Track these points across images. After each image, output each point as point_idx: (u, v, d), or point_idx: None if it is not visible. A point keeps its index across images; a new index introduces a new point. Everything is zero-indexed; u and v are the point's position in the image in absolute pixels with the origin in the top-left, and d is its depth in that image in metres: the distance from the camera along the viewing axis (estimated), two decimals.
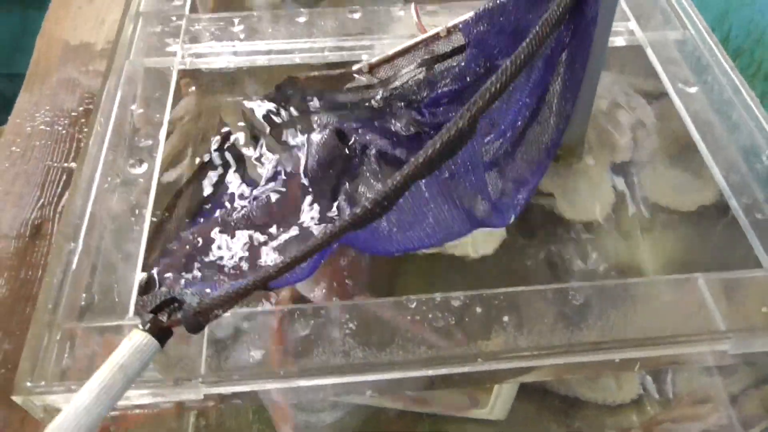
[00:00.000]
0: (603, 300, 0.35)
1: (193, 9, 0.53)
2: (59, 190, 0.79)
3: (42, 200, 0.77)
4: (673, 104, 0.47)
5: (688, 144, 0.46)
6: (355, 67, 0.46)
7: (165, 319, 0.29)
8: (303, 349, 0.32)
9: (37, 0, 1.23)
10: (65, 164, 0.82)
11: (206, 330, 0.32)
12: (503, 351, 0.32)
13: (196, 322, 0.29)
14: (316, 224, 0.36)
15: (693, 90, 0.47)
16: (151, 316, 0.29)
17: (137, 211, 0.38)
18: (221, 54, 0.49)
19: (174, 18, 0.51)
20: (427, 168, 0.27)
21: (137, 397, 0.31)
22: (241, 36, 0.50)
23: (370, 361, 0.32)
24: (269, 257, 0.35)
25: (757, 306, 0.35)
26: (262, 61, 0.49)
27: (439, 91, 0.43)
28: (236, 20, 0.51)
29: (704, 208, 0.49)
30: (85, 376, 0.30)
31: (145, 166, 0.41)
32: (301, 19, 0.51)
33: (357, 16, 0.52)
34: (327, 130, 0.39)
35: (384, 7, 0.53)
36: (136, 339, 0.28)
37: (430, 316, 0.34)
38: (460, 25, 0.42)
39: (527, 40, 0.29)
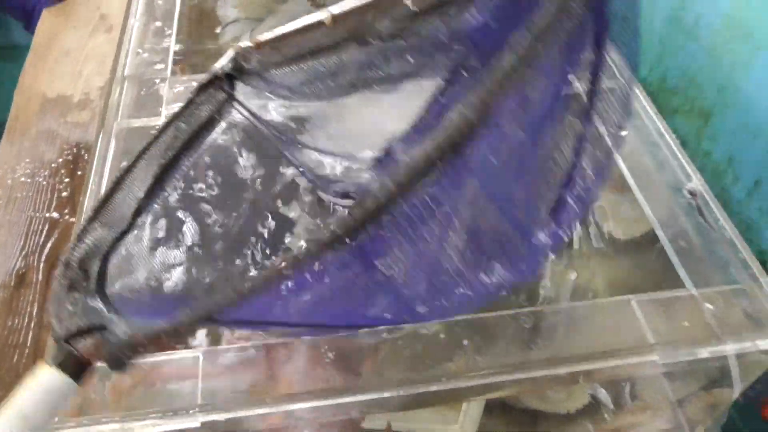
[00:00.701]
0: (549, 323, 0.40)
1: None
2: (42, 239, 0.82)
3: (25, 250, 0.80)
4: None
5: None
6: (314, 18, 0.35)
7: (82, 345, 0.23)
8: (289, 378, 0.36)
9: (12, 53, 1.27)
10: (47, 214, 0.85)
11: (201, 362, 0.36)
12: (464, 371, 0.37)
13: (121, 359, 0.24)
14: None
15: (624, 133, 0.53)
16: (65, 346, 0.23)
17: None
18: None
19: (157, 80, 0.56)
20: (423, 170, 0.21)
21: (139, 428, 0.35)
22: None
23: (349, 385, 0.36)
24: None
25: (681, 321, 0.40)
26: None
27: None
28: None
29: (645, 235, 0.55)
30: (88, 411, 0.34)
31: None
32: None
33: None
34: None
35: None
36: (43, 379, 0.22)
37: (400, 343, 0.38)
38: None
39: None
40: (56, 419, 0.34)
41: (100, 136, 0.51)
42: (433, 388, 0.37)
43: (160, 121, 0.53)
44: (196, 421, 0.35)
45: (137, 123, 0.52)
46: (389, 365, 0.37)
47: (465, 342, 0.39)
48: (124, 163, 0.44)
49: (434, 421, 0.49)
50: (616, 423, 0.49)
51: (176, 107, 0.54)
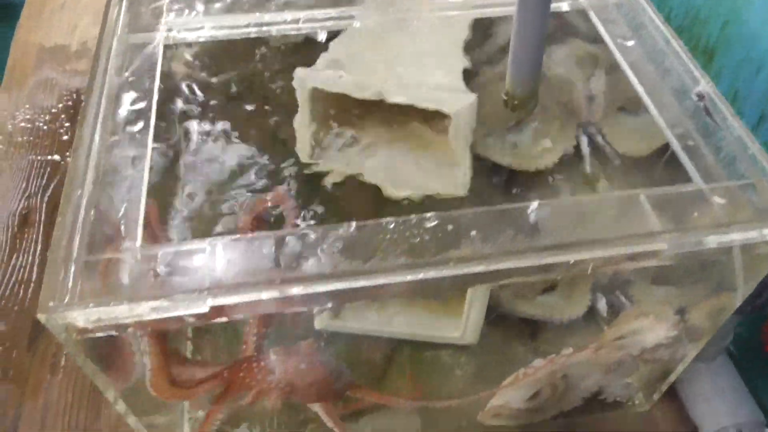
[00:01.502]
0: (557, 215, 0.40)
1: None
2: (44, 181, 0.82)
3: (28, 191, 0.80)
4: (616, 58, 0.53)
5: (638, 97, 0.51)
6: None
7: None
8: (297, 264, 0.36)
9: (7, 12, 1.25)
10: (48, 157, 0.85)
11: (208, 252, 0.36)
12: (471, 256, 0.37)
13: None
14: None
15: (630, 43, 0.52)
16: None
17: (137, 161, 0.42)
18: (203, 28, 0.53)
19: None
20: None
21: (147, 312, 0.35)
22: (222, 11, 0.54)
23: (356, 269, 0.36)
24: None
25: (688, 212, 0.40)
26: (241, 33, 0.53)
27: None
28: None
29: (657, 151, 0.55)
30: (98, 297, 0.34)
31: (141, 123, 0.44)
32: None
33: None
34: None
35: None
36: None
37: (407, 234, 0.38)
38: None
39: None
40: (65, 300, 0.34)
41: (100, 52, 0.50)
42: (440, 273, 0.37)
43: (159, 36, 0.52)
44: (204, 306, 0.35)
45: (137, 39, 0.52)
46: (395, 253, 0.37)
47: (473, 233, 0.39)
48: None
49: (437, 329, 0.49)
50: (616, 332, 0.49)
51: (174, 20, 0.53)
